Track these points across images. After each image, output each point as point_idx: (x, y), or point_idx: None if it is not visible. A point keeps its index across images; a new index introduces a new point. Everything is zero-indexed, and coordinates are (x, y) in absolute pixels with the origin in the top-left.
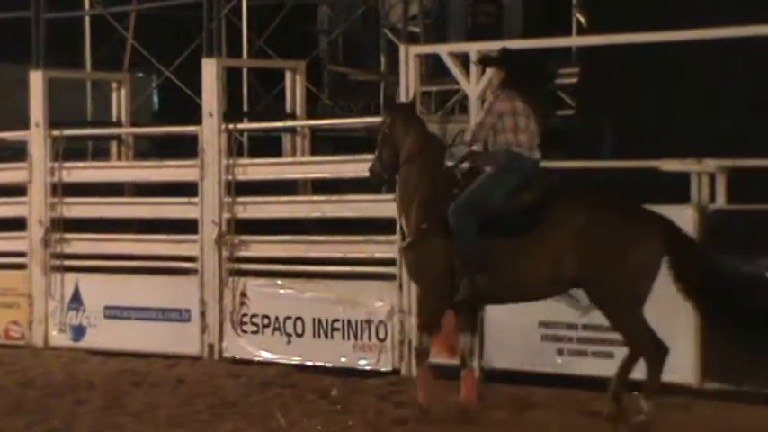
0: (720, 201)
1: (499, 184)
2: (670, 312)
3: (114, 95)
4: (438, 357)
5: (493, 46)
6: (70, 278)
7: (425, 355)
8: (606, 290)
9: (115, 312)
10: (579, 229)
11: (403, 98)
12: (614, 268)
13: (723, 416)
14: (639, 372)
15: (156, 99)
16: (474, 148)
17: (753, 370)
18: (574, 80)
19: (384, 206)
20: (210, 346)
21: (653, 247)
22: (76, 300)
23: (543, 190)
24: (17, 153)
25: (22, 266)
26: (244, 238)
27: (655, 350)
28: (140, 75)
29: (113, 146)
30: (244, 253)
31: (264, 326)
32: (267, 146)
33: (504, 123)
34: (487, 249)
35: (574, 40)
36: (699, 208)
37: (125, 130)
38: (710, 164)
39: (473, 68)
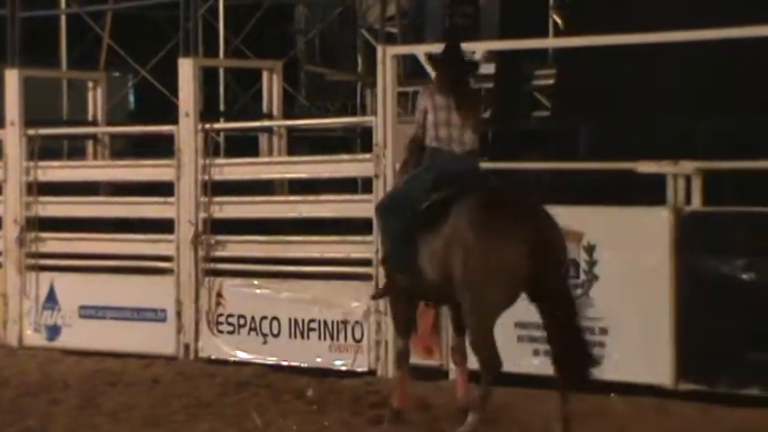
0: (696, 203)
1: (417, 181)
2: (645, 313)
3: (90, 94)
4: (412, 358)
5: (470, 47)
6: (45, 277)
7: (402, 358)
8: (460, 292)
9: (90, 312)
10: (458, 229)
11: (379, 98)
12: (469, 272)
13: (698, 417)
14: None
15: (132, 98)
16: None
17: (728, 371)
18: (550, 81)
19: (360, 206)
20: (186, 346)
21: (511, 258)
22: (51, 299)
23: (453, 187)
24: None
25: None
26: (220, 237)
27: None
28: (116, 74)
29: (89, 145)
30: (220, 253)
31: (240, 326)
32: (244, 146)
33: (428, 119)
34: (403, 247)
35: (550, 42)
36: (674, 210)
37: (101, 130)
38: (687, 166)
39: None
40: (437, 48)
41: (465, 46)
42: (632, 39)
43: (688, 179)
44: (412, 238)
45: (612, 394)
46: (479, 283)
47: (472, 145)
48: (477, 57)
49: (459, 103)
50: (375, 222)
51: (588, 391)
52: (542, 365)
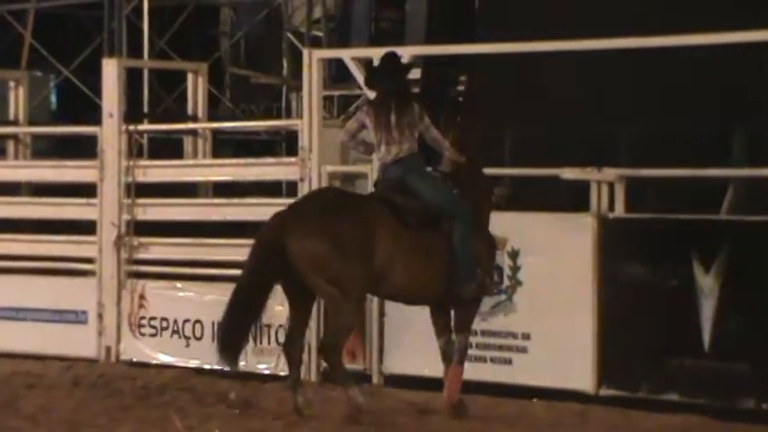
0: (619, 209)
1: None
2: (568, 319)
3: (12, 94)
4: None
5: (396, 51)
6: None
7: None
8: None
9: (10, 314)
10: None
11: (305, 102)
12: None
13: (619, 422)
14: None
15: (54, 98)
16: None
17: (648, 377)
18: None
19: None
20: (108, 349)
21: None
22: None
23: None
24: None
25: None
26: (143, 240)
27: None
28: (38, 74)
29: (10, 145)
30: (143, 255)
31: (163, 329)
32: (168, 148)
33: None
34: None
35: (476, 48)
36: (598, 216)
37: (22, 130)
38: (610, 173)
39: None
40: (363, 52)
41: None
42: (553, 46)
43: (611, 186)
44: None
45: (534, 399)
46: None
47: (399, 152)
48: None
49: (381, 121)
50: None
51: (511, 395)
52: (465, 370)
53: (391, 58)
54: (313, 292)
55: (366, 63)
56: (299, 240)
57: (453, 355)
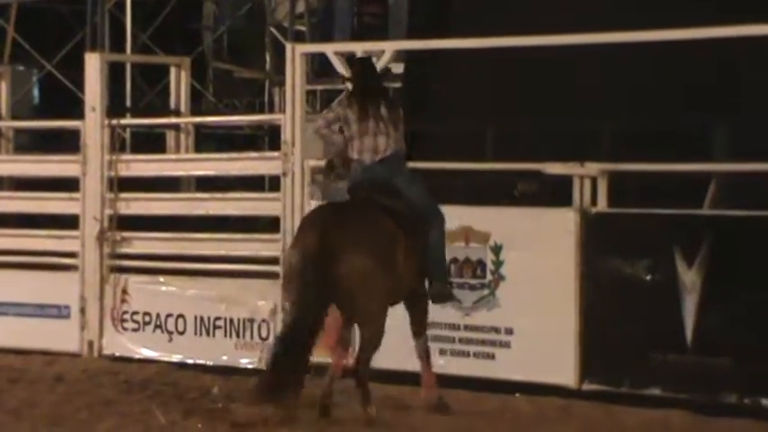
0: (602, 204)
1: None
2: (550, 314)
3: None
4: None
5: (378, 46)
6: None
7: None
8: None
9: None
10: None
11: (288, 96)
12: None
13: (601, 417)
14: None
15: (36, 93)
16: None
17: (631, 372)
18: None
19: (268, 204)
20: (90, 343)
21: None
22: None
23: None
24: None
25: None
26: (126, 234)
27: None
28: (21, 68)
29: None
30: (126, 250)
31: (145, 323)
32: (150, 142)
33: (345, 133)
34: None
35: (457, 43)
36: (580, 211)
37: (5, 124)
38: (593, 167)
39: None
40: (346, 47)
41: (372, 46)
42: (533, 41)
43: (594, 181)
44: None
45: (517, 394)
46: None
47: (384, 152)
48: (385, 60)
49: (369, 113)
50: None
51: (493, 390)
52: (447, 365)
53: (365, 63)
54: (348, 309)
55: (348, 58)
56: (347, 262)
57: (420, 355)
